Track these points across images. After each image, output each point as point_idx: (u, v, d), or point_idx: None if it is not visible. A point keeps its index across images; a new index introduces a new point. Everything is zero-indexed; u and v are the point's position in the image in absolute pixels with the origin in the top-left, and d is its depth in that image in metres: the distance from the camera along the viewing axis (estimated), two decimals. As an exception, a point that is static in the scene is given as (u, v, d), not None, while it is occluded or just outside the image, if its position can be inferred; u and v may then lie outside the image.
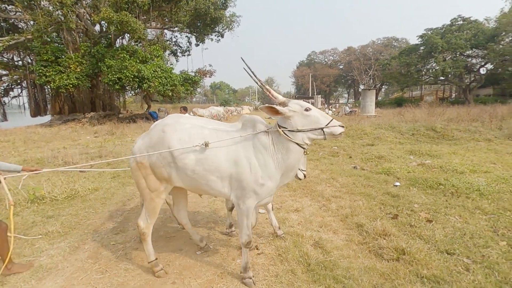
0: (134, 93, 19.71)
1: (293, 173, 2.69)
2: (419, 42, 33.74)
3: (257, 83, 2.47)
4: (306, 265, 2.96)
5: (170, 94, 18.66)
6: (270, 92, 2.45)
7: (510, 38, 30.21)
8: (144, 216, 2.84)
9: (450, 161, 6.99)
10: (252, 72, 2.48)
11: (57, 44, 20.16)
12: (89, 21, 22.56)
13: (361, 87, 39.69)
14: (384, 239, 3.35)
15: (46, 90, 23.92)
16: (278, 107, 2.37)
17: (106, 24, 21.11)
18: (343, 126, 2.40)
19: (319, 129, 2.39)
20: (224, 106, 28.90)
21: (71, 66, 18.11)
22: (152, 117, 21.50)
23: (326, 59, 55.75)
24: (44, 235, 3.90)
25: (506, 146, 9.36)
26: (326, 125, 2.37)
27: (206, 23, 25.43)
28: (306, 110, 2.41)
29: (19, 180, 3.19)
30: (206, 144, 2.46)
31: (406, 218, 3.99)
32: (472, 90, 33.68)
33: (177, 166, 2.57)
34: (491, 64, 32.24)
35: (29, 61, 23.35)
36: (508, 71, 32.57)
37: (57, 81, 17.38)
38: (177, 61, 29.09)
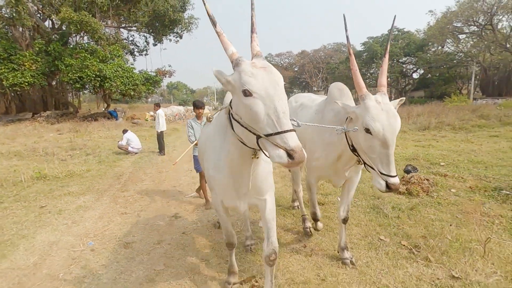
0: (94, 92, 20.19)
1: (241, 181, 1.92)
2: (362, 49, 38.41)
3: (207, 13, 1.59)
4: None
5: (132, 93, 19.62)
6: (219, 37, 1.61)
7: (435, 49, 36.04)
8: None
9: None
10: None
11: (4, 41, 19.85)
12: (39, 17, 22.40)
13: (314, 89, 43.63)
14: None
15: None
16: (216, 71, 1.51)
17: (59, 21, 21.29)
18: (291, 157, 1.31)
19: (254, 134, 1.45)
20: (183, 106, 30.16)
21: (26, 63, 18.17)
22: (112, 115, 22.08)
23: (282, 62, 59.30)
24: (68, 194, 5.43)
25: (413, 135, 12.50)
26: (267, 136, 1.38)
27: (165, 24, 26.49)
28: (245, 93, 1.41)
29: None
30: (208, 118, 2.09)
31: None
32: (407, 92, 39.22)
33: None
34: (422, 70, 37.98)
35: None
36: (436, 76, 38.65)
37: (11, 79, 17.38)
38: (134, 60, 29.53)
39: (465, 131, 12.95)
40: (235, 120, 1.55)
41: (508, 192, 4.73)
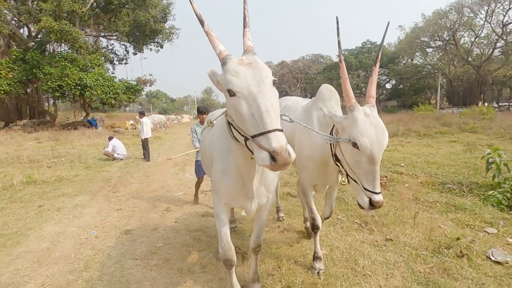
0: (74, 100, 20.20)
1: (249, 183, 1.90)
2: (338, 61, 40.45)
3: (195, 13, 1.61)
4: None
5: (112, 102, 19.83)
6: (208, 36, 1.62)
7: (405, 61, 38.63)
8: None
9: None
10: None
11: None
12: (15, 25, 22.23)
13: (293, 98, 45.19)
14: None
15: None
16: (210, 71, 1.54)
17: (36, 29, 21.25)
18: (274, 158, 1.25)
19: (243, 136, 1.44)
20: (164, 115, 30.44)
21: (2, 72, 18.03)
22: (91, 124, 22.06)
23: (262, 71, 60.74)
24: (60, 196, 5.86)
25: (383, 141, 13.68)
26: (253, 137, 1.34)
27: (145, 33, 26.89)
28: (230, 93, 1.41)
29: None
30: (210, 122, 2.13)
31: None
32: (381, 102, 41.54)
33: None
34: (394, 81, 40.53)
35: None
36: (407, 87, 41.28)
37: (-14, 87, 17.19)
38: (114, 69, 29.58)
39: (429, 137, 14.30)
40: (229, 122, 1.53)
41: (450, 186, 5.70)
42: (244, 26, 1.62)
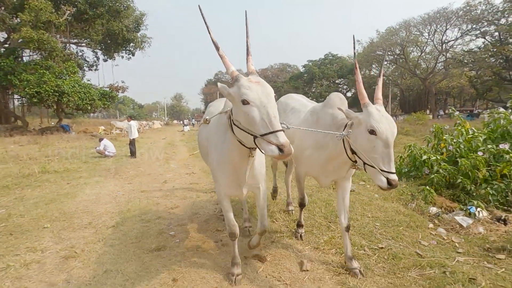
0: (49, 106, 21.47)
1: (241, 174, 2.42)
2: (303, 71, 44.53)
3: (212, 39, 2.07)
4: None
5: (88, 108, 21.43)
6: (222, 59, 2.10)
7: (363, 72, 43.36)
8: None
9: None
10: (207, 26, 2.07)
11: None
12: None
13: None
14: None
15: None
16: (221, 86, 2.03)
17: (5, 35, 22.28)
18: (281, 150, 1.77)
19: (251, 135, 1.91)
20: (136, 121, 32.07)
21: (-25, 78, 19.07)
22: (64, 129, 23.35)
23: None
24: (78, 178, 7.99)
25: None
26: (262, 136, 1.83)
27: (118, 42, 28.57)
28: (243, 102, 1.88)
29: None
30: (205, 120, 2.70)
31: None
32: (343, 109, 46.06)
33: None
34: (354, 90, 45.21)
35: None
36: (366, 95, 46.02)
37: (-41, 92, 18.17)
38: (83, 75, 30.77)
39: (371, 139, 17.70)
40: (235, 125, 2.01)
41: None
42: (247, 54, 2.10)
